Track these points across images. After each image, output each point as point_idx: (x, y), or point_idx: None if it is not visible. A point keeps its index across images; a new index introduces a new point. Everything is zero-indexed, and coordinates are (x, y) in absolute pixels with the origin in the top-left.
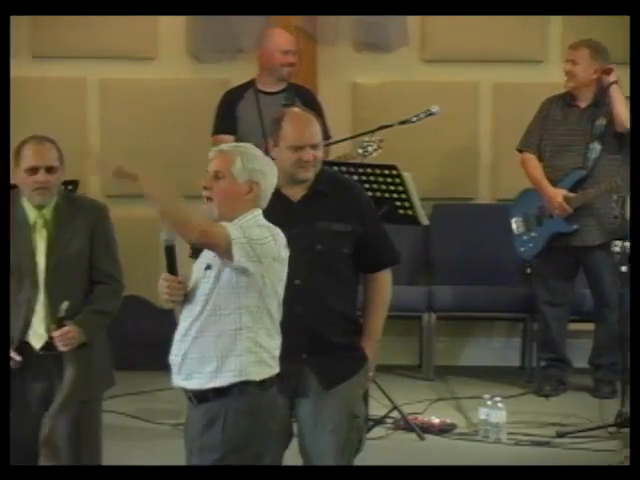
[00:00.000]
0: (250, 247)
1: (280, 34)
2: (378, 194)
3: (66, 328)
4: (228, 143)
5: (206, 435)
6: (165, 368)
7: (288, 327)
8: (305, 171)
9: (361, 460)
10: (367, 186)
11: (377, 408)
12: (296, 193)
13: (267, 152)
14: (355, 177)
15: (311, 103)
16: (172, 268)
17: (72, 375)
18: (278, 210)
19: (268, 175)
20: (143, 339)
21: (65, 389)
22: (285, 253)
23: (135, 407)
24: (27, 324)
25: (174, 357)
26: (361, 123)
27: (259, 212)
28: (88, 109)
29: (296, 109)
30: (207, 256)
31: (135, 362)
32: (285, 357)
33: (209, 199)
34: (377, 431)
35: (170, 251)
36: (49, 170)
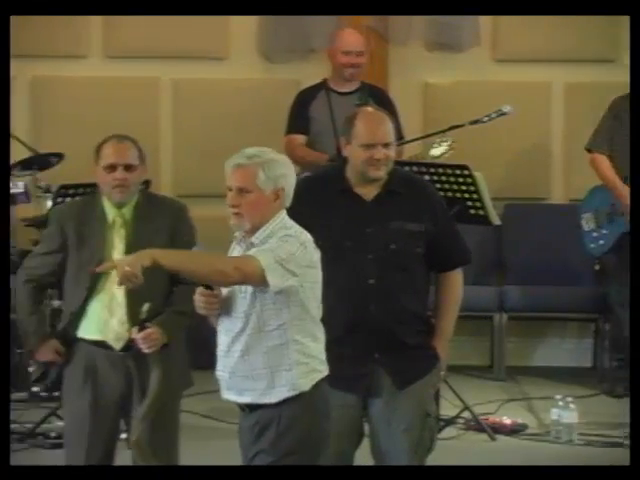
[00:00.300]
0: (282, 267)
1: (345, 35)
2: (449, 194)
3: (149, 330)
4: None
5: (261, 441)
6: None
7: (361, 326)
8: (376, 169)
9: (432, 460)
10: (439, 186)
11: (448, 408)
12: (369, 192)
13: (339, 151)
14: (427, 177)
15: (385, 103)
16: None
17: (158, 377)
18: (351, 209)
19: (289, 175)
20: (216, 339)
21: (152, 391)
22: (317, 256)
23: (208, 406)
24: (105, 324)
25: (221, 373)
26: (432, 123)
27: (284, 213)
28: (161, 109)
29: (369, 108)
30: None
31: (208, 362)
32: (357, 357)
33: (238, 215)
34: (448, 431)
35: None
36: (128, 168)
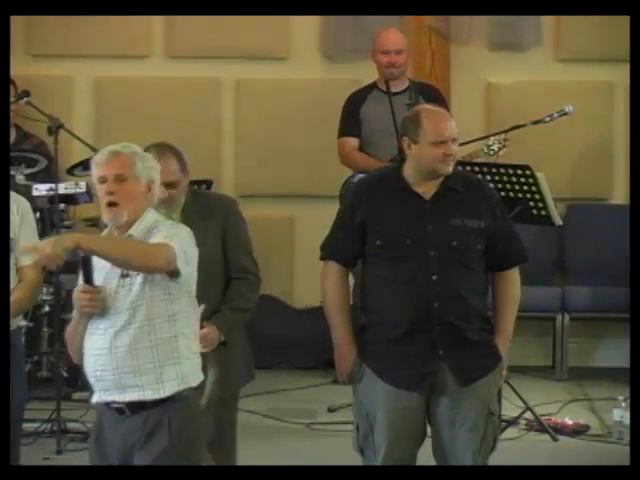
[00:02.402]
0: (183, 252)
1: (383, 34)
2: (511, 194)
3: (205, 330)
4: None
5: (153, 442)
6: (300, 367)
7: (425, 324)
8: (447, 165)
9: (494, 460)
10: (500, 186)
11: (510, 409)
12: (428, 191)
13: (400, 151)
14: (488, 177)
15: (435, 100)
16: (89, 279)
17: (214, 375)
18: (410, 207)
19: (158, 172)
20: (277, 338)
21: (209, 389)
22: (197, 253)
23: (268, 406)
24: None
25: (100, 373)
26: (494, 123)
27: (154, 210)
28: (223, 109)
29: (429, 105)
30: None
31: (268, 361)
32: (422, 354)
33: (112, 204)
34: (510, 432)
35: (87, 262)
36: (169, 185)
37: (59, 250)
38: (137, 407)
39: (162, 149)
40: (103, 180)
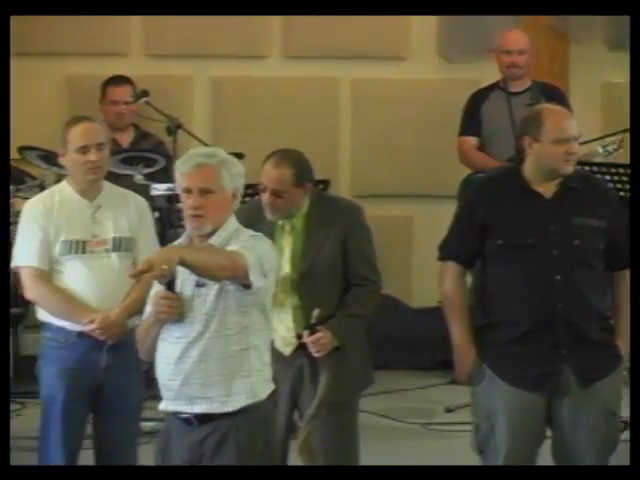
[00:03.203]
0: (260, 267)
1: (506, 34)
2: (630, 194)
3: (318, 334)
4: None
5: (218, 456)
6: (417, 367)
7: (548, 324)
8: (569, 165)
9: (612, 462)
10: (619, 186)
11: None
12: (548, 190)
13: (519, 151)
14: (606, 177)
15: (558, 101)
16: (172, 285)
17: (326, 379)
18: (531, 207)
19: (242, 175)
20: (394, 338)
21: (320, 394)
22: (274, 267)
23: (385, 406)
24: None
25: (169, 382)
26: (611, 123)
27: (234, 218)
28: (340, 109)
29: (550, 105)
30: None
31: (385, 361)
32: (544, 354)
33: (199, 217)
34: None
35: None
36: (277, 194)
37: (171, 265)
38: (205, 419)
39: (281, 159)
40: (188, 191)
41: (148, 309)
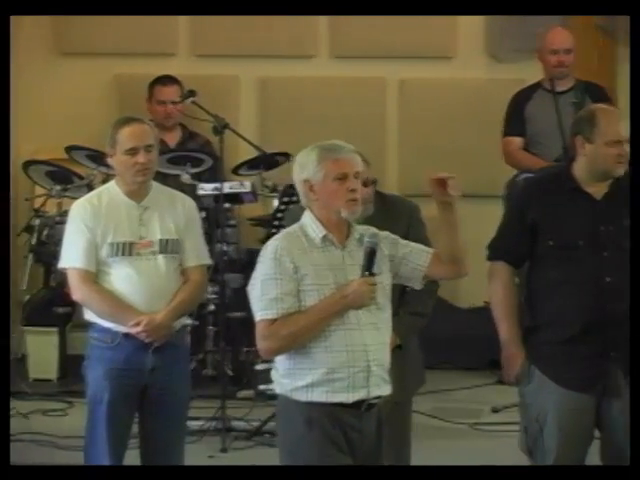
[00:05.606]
0: None
1: (552, 34)
2: None
3: None
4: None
5: (380, 438)
6: (464, 367)
7: (599, 325)
8: (621, 166)
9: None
10: None
11: None
12: (599, 191)
13: (568, 151)
14: None
15: (602, 99)
16: (371, 269)
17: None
18: (582, 208)
19: None
20: (441, 338)
21: None
22: None
23: (432, 406)
24: None
25: (374, 368)
26: None
27: None
28: (387, 108)
29: (603, 105)
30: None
31: (433, 361)
32: (594, 356)
33: (356, 200)
34: None
35: (373, 254)
36: (364, 184)
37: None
38: (373, 404)
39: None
40: (344, 176)
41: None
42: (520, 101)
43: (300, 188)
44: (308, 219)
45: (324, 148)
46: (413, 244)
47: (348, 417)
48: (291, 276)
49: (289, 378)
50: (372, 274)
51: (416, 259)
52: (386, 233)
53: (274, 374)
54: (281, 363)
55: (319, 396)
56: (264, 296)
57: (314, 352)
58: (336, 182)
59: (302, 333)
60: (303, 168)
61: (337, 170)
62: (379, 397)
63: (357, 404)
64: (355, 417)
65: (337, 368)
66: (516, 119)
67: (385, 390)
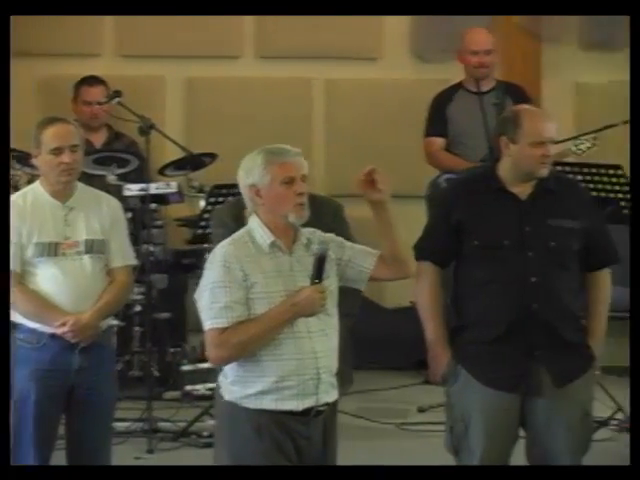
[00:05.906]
0: None
1: (471, 34)
2: (603, 194)
3: None
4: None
5: (328, 450)
6: (390, 367)
7: (523, 325)
8: (544, 167)
9: (586, 462)
10: (591, 186)
11: (601, 410)
12: (523, 191)
13: (493, 151)
14: (579, 177)
15: (522, 100)
16: (321, 277)
17: None
18: (507, 208)
19: None
20: (367, 338)
21: None
22: None
23: (359, 406)
24: None
25: (323, 375)
26: (584, 123)
27: None
28: (314, 109)
29: (528, 106)
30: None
31: (359, 361)
32: (518, 355)
33: (304, 205)
34: (602, 433)
35: (324, 261)
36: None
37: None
38: (321, 411)
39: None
40: (291, 180)
41: (281, 309)
42: (441, 102)
43: (246, 193)
44: (255, 224)
45: (270, 152)
46: (358, 246)
47: (296, 424)
48: (240, 284)
49: (238, 385)
50: (322, 281)
51: (362, 261)
52: (331, 236)
53: (222, 380)
54: (230, 370)
55: (269, 404)
56: (214, 304)
57: (264, 360)
58: (283, 186)
59: (253, 341)
60: (249, 173)
61: (284, 174)
62: (327, 404)
63: (306, 411)
64: (303, 424)
65: (287, 376)
66: (438, 120)
67: (333, 396)
